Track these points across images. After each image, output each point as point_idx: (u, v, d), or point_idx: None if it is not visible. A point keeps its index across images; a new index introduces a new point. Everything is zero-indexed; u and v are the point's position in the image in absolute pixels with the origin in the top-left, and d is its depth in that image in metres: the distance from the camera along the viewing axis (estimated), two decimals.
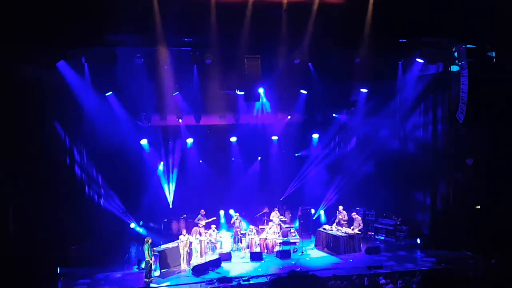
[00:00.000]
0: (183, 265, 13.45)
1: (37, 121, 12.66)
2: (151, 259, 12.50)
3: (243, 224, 16.38)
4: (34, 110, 12.50)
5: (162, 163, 17.76)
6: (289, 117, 18.34)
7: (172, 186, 17.77)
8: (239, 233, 15.74)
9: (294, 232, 16.13)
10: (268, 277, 12.12)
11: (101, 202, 15.75)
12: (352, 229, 15.16)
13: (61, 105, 13.47)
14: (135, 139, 16.58)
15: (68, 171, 14.39)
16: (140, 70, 13.86)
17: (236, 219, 16.03)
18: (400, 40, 14.26)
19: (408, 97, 16.14)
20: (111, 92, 14.71)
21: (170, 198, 17.69)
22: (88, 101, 13.98)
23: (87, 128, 14.72)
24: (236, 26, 12.94)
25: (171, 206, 17.75)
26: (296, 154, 19.82)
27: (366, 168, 18.99)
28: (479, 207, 14.30)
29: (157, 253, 13.01)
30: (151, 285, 12.27)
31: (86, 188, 15.23)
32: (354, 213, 15.79)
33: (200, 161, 18.74)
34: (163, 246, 13.59)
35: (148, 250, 12.44)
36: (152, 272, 12.59)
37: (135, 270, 13.40)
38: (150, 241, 12.69)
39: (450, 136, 14.82)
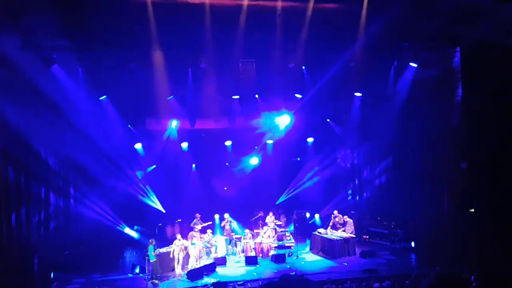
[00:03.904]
0: (178, 270, 13.39)
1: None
2: (155, 261, 12.62)
3: (234, 223, 16.37)
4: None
5: (154, 166, 17.71)
6: (289, 118, 18.21)
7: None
8: (233, 236, 15.71)
9: (289, 236, 16.13)
10: (261, 282, 12.07)
11: (92, 207, 15.63)
12: (345, 232, 15.18)
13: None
14: (129, 143, 16.53)
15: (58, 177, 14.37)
16: (135, 74, 13.82)
17: (226, 222, 16.02)
18: (395, 44, 14.35)
19: (402, 100, 16.16)
20: (105, 96, 14.66)
21: (156, 204, 17.58)
22: (82, 105, 13.88)
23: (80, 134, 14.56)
24: (230, 30, 12.98)
25: (164, 211, 17.69)
26: (292, 159, 19.87)
27: (360, 172, 19.16)
28: (473, 210, 14.33)
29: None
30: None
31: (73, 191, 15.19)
32: (345, 216, 15.80)
33: (194, 165, 18.72)
34: (158, 251, 13.52)
35: (152, 252, 12.58)
36: (157, 273, 12.66)
37: (129, 275, 13.31)
38: (154, 242, 12.86)
39: (444, 140, 14.87)
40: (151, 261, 12.60)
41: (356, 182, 19.55)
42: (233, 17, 12.83)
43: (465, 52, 13.75)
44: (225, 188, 17.94)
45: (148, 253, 12.68)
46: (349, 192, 19.67)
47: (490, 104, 13.04)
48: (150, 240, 12.98)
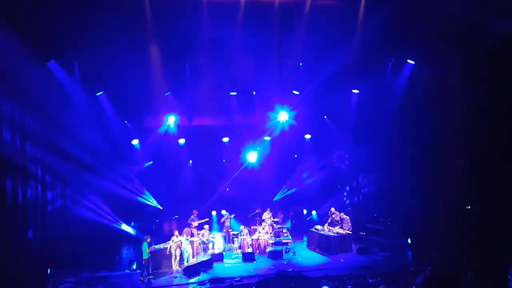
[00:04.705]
0: (175, 266, 13.38)
1: None
2: (147, 259, 12.59)
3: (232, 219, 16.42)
4: None
5: (151, 162, 17.68)
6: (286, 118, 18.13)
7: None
8: (230, 233, 15.73)
9: (286, 233, 16.15)
10: (258, 278, 12.08)
11: (87, 204, 15.59)
12: (342, 229, 15.22)
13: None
14: (126, 139, 16.47)
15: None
16: (132, 70, 13.76)
17: (226, 219, 16.02)
18: (392, 41, 14.30)
19: (399, 98, 16.11)
20: (101, 92, 14.59)
21: (152, 201, 17.56)
22: (78, 101, 13.82)
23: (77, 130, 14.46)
24: (228, 25, 12.93)
25: (161, 207, 17.67)
26: (290, 156, 19.88)
27: (357, 170, 19.18)
28: (469, 207, 14.38)
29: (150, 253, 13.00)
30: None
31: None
32: (342, 214, 15.82)
33: (190, 161, 18.69)
34: (155, 247, 13.53)
35: (146, 249, 12.57)
36: (149, 271, 12.65)
37: (127, 271, 13.32)
38: (149, 239, 12.82)
39: (441, 137, 14.87)
40: (143, 258, 12.58)
41: (354, 183, 19.58)
42: (231, 12, 12.79)
43: (467, 51, 13.65)
44: (227, 189, 17.83)
45: (142, 250, 12.65)
46: (345, 194, 19.74)
47: (490, 104, 13.01)
48: (145, 237, 12.95)
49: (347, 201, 19.49)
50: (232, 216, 16.29)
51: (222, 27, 12.92)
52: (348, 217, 15.57)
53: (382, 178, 17.86)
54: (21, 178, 12.42)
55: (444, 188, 14.93)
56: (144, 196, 17.37)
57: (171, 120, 16.94)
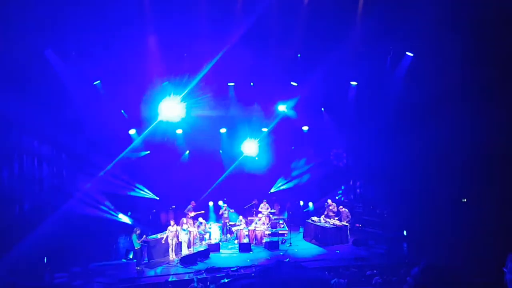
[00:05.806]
0: (172, 256, 13.46)
1: None
2: (140, 249, 12.62)
3: (231, 211, 16.48)
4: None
5: (148, 152, 17.63)
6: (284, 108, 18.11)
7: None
8: (227, 224, 15.79)
9: (282, 224, 16.22)
10: (254, 268, 12.16)
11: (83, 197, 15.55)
12: (340, 221, 15.28)
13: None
14: (123, 129, 16.40)
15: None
16: (130, 59, 13.64)
17: (224, 210, 16.07)
18: (390, 33, 14.22)
19: (396, 92, 16.06)
20: (99, 81, 14.49)
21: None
22: (74, 90, 13.71)
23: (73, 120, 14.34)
24: (227, 15, 12.83)
25: (157, 198, 17.67)
26: (287, 148, 19.90)
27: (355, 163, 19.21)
28: (465, 200, 14.45)
29: (145, 244, 13.03)
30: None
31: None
32: (341, 206, 15.88)
33: (187, 151, 18.66)
34: (152, 237, 13.57)
35: (136, 240, 12.56)
36: (143, 260, 12.73)
37: (123, 260, 13.37)
38: (138, 231, 12.80)
39: (436, 131, 14.87)
40: (135, 248, 12.65)
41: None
42: (230, 3, 12.68)
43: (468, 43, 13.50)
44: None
45: (132, 241, 12.71)
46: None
47: (492, 100, 12.97)
48: (134, 229, 12.97)
49: (342, 199, 19.53)
50: (232, 210, 16.32)
51: (220, 16, 12.81)
52: (347, 210, 15.65)
53: (378, 173, 17.83)
54: (17, 170, 12.42)
55: (442, 183, 14.96)
56: (140, 186, 17.35)
57: (168, 111, 16.75)
